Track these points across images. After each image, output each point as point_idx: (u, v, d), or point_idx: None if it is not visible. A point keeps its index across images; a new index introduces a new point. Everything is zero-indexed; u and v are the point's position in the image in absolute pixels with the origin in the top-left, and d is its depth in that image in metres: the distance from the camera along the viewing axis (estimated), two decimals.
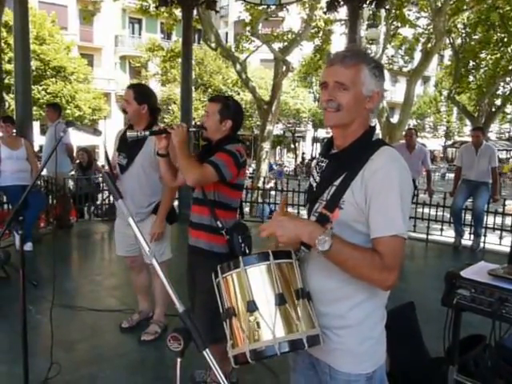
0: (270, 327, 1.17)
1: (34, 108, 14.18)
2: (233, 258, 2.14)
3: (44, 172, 6.09)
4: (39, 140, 11.66)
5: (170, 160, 2.34)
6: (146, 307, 3.44)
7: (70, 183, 7.09)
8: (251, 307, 1.20)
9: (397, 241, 1.23)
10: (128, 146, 2.90)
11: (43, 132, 15.19)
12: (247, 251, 2.19)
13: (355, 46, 5.47)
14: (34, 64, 16.71)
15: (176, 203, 5.55)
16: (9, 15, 11.02)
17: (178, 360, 1.22)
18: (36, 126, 18.24)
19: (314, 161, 1.49)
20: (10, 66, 11.82)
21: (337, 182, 1.31)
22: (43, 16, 19.52)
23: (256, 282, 1.23)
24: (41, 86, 18.98)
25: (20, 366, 2.11)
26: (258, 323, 1.19)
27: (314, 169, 1.45)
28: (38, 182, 6.00)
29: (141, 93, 2.93)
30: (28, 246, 4.96)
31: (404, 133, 7.36)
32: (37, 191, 5.41)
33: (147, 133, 2.25)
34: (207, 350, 1.15)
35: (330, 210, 1.31)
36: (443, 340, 1.88)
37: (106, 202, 7.74)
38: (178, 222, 3.25)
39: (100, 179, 7.70)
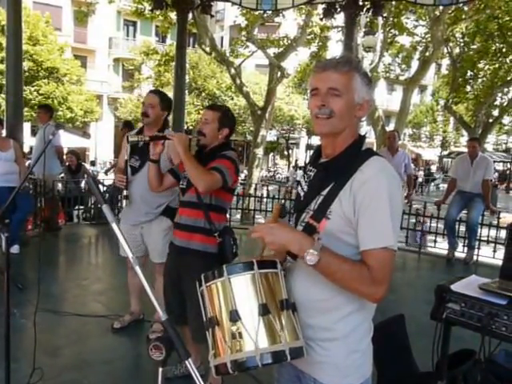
0: (252, 338, 1.15)
1: (26, 109, 14.06)
2: (223, 258, 2.28)
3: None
4: (30, 141, 11.56)
5: (159, 166, 2.49)
6: (138, 309, 3.47)
7: (59, 186, 7.00)
8: (234, 317, 1.17)
9: (386, 253, 1.20)
10: (141, 149, 2.96)
11: (34, 133, 15.08)
12: (236, 251, 2.38)
13: (348, 54, 5.54)
14: (26, 64, 16.62)
15: None
16: (2, 15, 10.95)
17: (160, 369, 1.21)
18: (27, 126, 18.13)
19: (301, 171, 1.48)
20: (2, 66, 11.72)
21: (324, 192, 1.29)
22: (37, 16, 19.45)
23: (239, 291, 1.20)
24: (33, 86, 18.88)
25: (2, 371, 2.07)
26: (240, 333, 1.16)
27: (302, 178, 1.44)
28: (27, 184, 5.91)
29: (165, 100, 3.09)
30: (15, 249, 4.88)
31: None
32: (25, 193, 5.32)
33: (147, 138, 2.38)
34: (189, 359, 1.13)
35: (317, 220, 1.29)
36: (432, 354, 1.85)
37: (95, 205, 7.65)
38: None
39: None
